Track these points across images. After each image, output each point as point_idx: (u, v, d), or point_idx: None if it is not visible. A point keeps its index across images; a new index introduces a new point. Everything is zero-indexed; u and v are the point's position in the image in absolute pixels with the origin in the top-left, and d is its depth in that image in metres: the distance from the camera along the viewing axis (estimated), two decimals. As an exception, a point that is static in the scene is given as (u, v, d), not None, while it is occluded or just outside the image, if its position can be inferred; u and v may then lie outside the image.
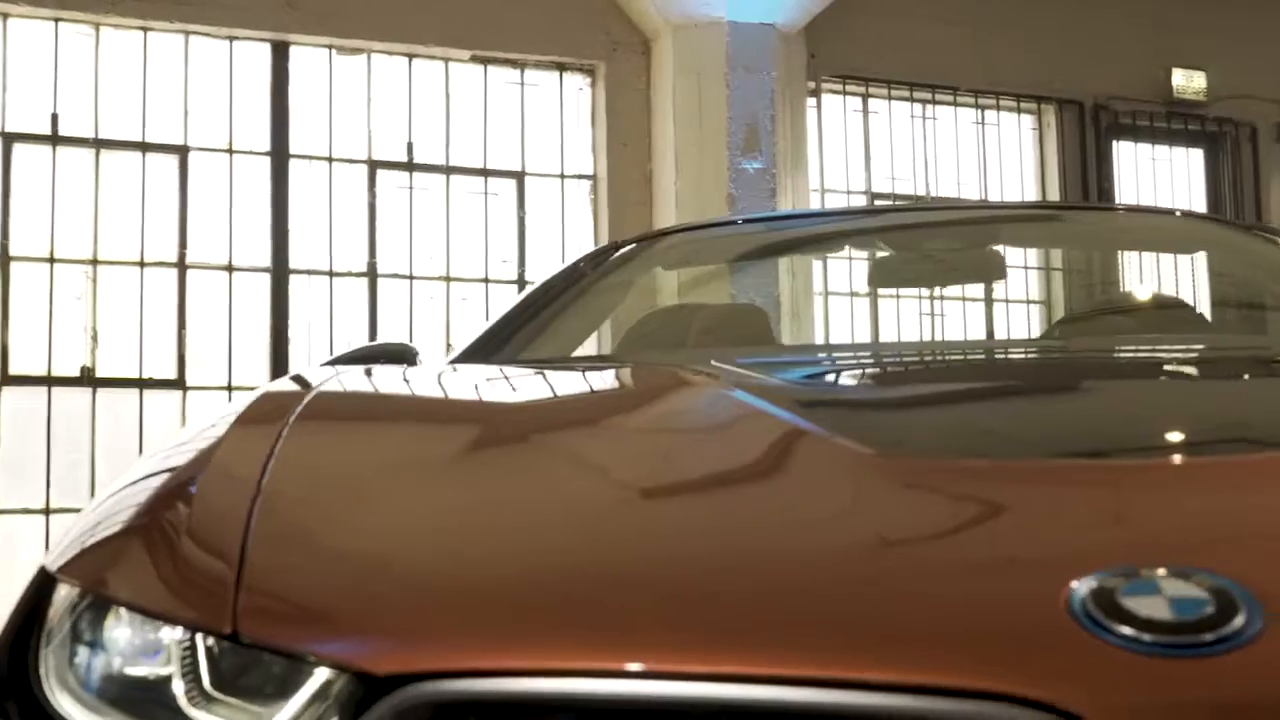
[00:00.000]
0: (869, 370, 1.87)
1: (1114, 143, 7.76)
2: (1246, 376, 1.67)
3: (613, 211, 6.56)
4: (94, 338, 5.87)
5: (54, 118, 5.88)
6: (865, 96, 7.31)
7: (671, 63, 6.47)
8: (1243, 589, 0.81)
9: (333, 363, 2.07)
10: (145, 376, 5.90)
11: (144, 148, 5.99)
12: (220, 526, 1.07)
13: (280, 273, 6.16)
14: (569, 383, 1.66)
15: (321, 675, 0.92)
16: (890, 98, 7.32)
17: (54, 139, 5.88)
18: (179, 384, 5.92)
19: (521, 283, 6.45)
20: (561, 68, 6.68)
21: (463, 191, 6.51)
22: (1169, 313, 2.69)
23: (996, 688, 0.78)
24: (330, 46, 6.29)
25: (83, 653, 1.04)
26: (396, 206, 6.39)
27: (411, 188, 6.42)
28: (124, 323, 5.91)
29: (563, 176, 6.67)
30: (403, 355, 2.13)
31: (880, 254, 2.81)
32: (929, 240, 2.77)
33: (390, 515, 1.09)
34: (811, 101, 7.12)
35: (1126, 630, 0.79)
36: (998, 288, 7.28)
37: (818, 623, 0.86)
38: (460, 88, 6.53)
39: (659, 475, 1.16)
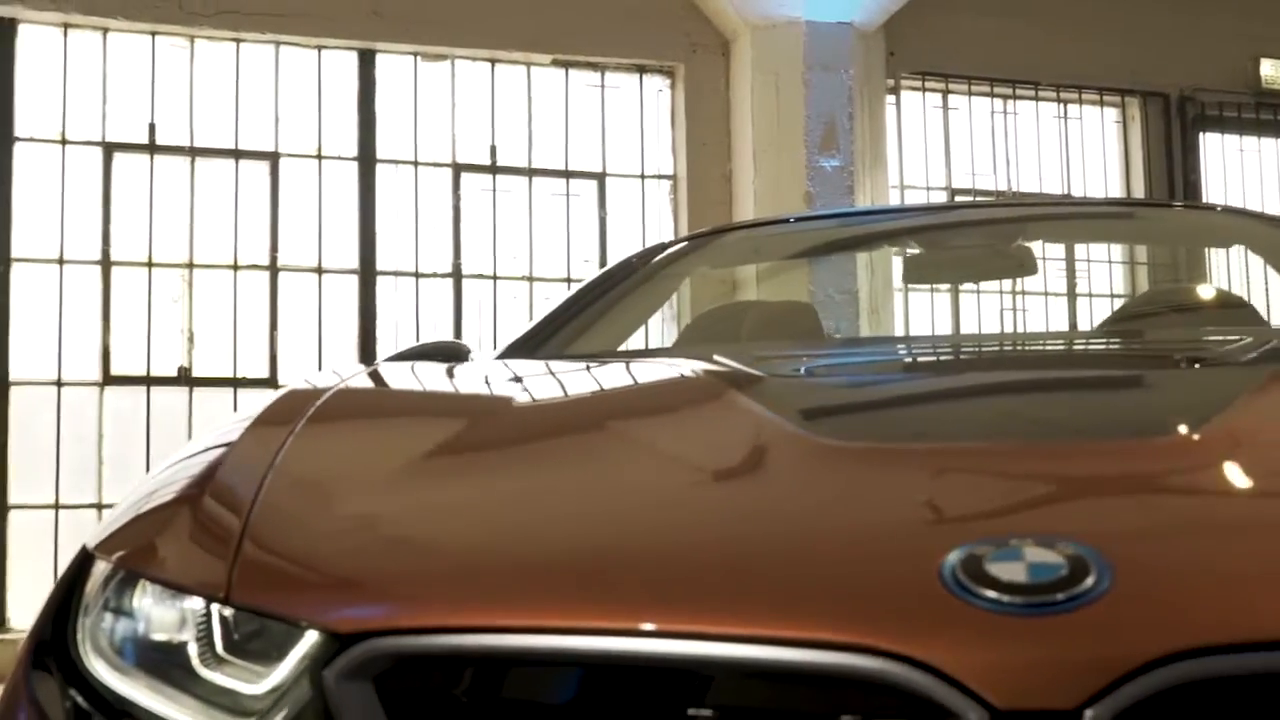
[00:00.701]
0: (863, 365, 1.96)
1: (1200, 135, 7.64)
2: (1212, 371, 1.72)
3: (692, 211, 6.64)
4: (190, 339, 6.09)
5: (151, 128, 6.11)
6: (945, 93, 7.31)
7: (750, 63, 6.54)
8: (1096, 553, 0.90)
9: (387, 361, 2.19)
10: (239, 376, 6.10)
11: (237, 155, 6.21)
12: (229, 507, 1.21)
13: (368, 274, 6.33)
14: (570, 378, 1.77)
15: (310, 638, 1.03)
16: (970, 94, 7.31)
17: (151, 148, 6.10)
18: (271, 383, 6.09)
19: (603, 282, 6.52)
20: (641, 70, 6.78)
21: (545, 193, 6.63)
22: (1221, 310, 2.69)
23: (867, 642, 0.88)
24: (415, 53, 6.44)
25: (113, 620, 1.17)
26: (480, 208, 6.53)
27: (495, 190, 6.56)
28: (219, 324, 6.12)
29: (643, 177, 6.77)
30: (454, 352, 2.23)
31: (913, 251, 2.87)
32: (963, 238, 2.83)
33: (375, 497, 1.21)
34: (891, 99, 7.15)
35: (990, 593, 0.88)
36: (1080, 282, 7.26)
37: (726, 588, 0.96)
38: (542, 91, 6.65)
39: (611, 458, 1.27)
